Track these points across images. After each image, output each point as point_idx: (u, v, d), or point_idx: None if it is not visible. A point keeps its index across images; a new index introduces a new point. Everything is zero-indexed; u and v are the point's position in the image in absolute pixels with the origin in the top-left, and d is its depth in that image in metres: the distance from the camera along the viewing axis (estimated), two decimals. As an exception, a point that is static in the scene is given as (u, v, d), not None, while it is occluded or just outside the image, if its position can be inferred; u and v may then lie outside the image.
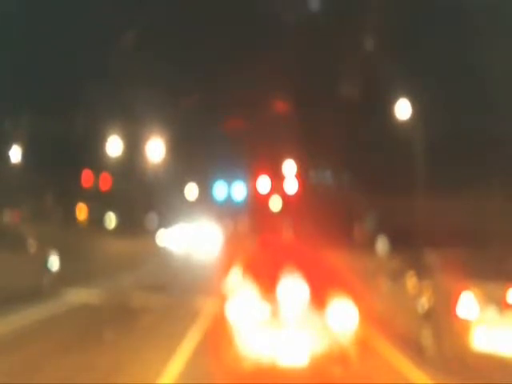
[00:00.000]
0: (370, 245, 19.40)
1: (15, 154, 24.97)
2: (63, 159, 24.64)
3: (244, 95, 23.28)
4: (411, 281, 8.32)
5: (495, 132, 15.87)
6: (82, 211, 29.25)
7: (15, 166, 24.96)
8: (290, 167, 26.80)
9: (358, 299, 6.31)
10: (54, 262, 12.81)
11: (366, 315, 6.83)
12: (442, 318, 7.04)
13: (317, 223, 22.20)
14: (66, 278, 14.17)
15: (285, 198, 28.76)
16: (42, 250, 12.44)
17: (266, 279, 6.52)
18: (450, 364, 6.64)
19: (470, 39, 16.01)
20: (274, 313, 6.18)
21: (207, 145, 28.58)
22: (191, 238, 33.31)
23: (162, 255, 27.33)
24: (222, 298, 6.77)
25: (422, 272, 8.12)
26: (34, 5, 20.68)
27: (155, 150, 24.72)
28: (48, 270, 12.59)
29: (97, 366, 6.71)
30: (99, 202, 29.02)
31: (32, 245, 12.23)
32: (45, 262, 12.45)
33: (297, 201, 27.00)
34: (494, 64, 14.53)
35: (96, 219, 29.96)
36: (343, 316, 6.10)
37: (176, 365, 6.78)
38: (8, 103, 21.69)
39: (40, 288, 11.66)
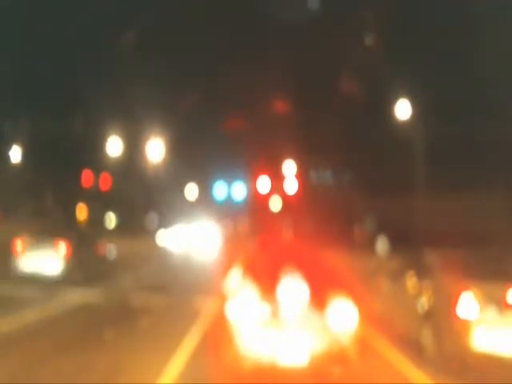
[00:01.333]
0: (369, 245, 19.41)
1: (15, 154, 24.97)
2: (63, 159, 24.66)
3: (244, 95, 23.30)
4: (411, 281, 8.32)
5: (495, 132, 15.88)
6: (82, 211, 29.25)
7: (15, 166, 24.97)
8: (289, 167, 26.79)
9: (357, 299, 6.31)
10: (112, 252, 16.84)
11: (366, 315, 6.83)
12: (441, 318, 7.04)
13: (317, 223, 22.23)
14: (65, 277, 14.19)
15: (285, 198, 28.78)
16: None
17: (266, 279, 6.52)
18: (450, 364, 6.65)
19: (471, 39, 16.02)
20: (274, 313, 6.18)
21: (207, 145, 28.61)
22: (191, 238, 33.30)
23: (161, 255, 27.32)
24: (222, 298, 6.77)
25: (422, 272, 8.12)
26: (34, 5, 20.69)
27: (155, 150, 24.70)
28: (108, 259, 16.43)
29: (97, 366, 6.71)
30: (99, 202, 29.04)
31: (101, 242, 16.39)
32: (105, 251, 16.37)
33: (297, 201, 27.00)
34: (494, 64, 14.54)
35: (96, 219, 29.96)
36: (343, 316, 6.10)
37: (176, 365, 6.78)
38: (8, 103, 21.69)
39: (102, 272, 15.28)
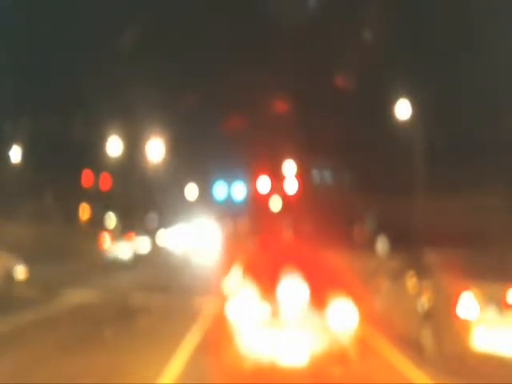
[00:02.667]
0: (369, 245, 19.39)
1: (15, 154, 24.95)
2: (63, 159, 24.62)
3: (244, 95, 23.29)
4: (411, 281, 8.32)
5: (495, 132, 15.87)
6: (84, 211, 29.23)
7: (15, 166, 24.94)
8: (289, 167, 26.78)
9: (357, 299, 6.31)
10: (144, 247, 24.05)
11: (366, 315, 6.83)
12: (441, 317, 7.03)
13: (317, 223, 22.21)
14: (66, 278, 14.21)
15: (285, 198, 28.76)
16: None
17: (266, 279, 6.52)
18: (450, 364, 6.64)
19: (471, 39, 16.02)
20: (274, 313, 6.18)
21: (207, 145, 28.57)
22: (191, 238, 33.33)
23: (161, 255, 27.33)
24: (222, 298, 6.78)
25: (422, 272, 8.12)
26: (35, 5, 20.69)
27: (155, 149, 24.70)
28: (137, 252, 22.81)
29: (97, 365, 6.71)
30: (99, 202, 29.02)
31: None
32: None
33: (297, 201, 26.98)
34: (495, 64, 14.54)
35: (96, 219, 29.94)
36: (343, 316, 6.10)
37: (176, 365, 6.78)
38: (8, 103, 21.67)
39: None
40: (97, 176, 26.70)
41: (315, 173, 29.65)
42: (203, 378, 6.25)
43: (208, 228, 34.85)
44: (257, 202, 29.22)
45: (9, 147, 24.85)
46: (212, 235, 33.96)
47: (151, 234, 31.43)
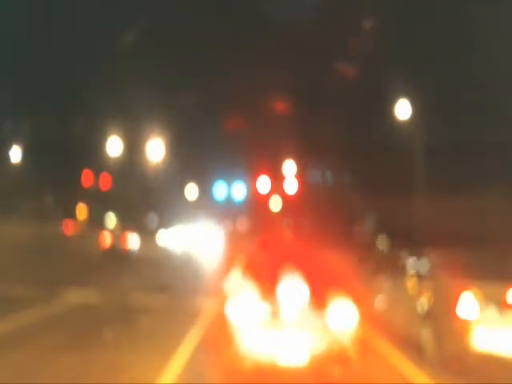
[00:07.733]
0: (369, 245, 19.38)
1: (15, 154, 24.96)
2: (63, 159, 24.63)
3: (244, 95, 23.28)
4: (411, 281, 8.32)
5: (495, 133, 15.87)
6: (81, 211, 29.23)
7: (15, 166, 24.95)
8: (289, 167, 26.77)
9: (357, 299, 6.31)
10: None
11: (366, 315, 6.83)
12: (442, 317, 7.04)
13: (317, 223, 22.21)
14: (66, 278, 14.21)
15: (285, 198, 28.75)
16: None
17: (266, 279, 6.53)
18: (450, 364, 6.64)
19: (471, 40, 16.03)
20: (274, 313, 6.18)
21: (207, 145, 28.57)
22: (191, 238, 33.32)
23: (161, 255, 27.32)
24: (223, 299, 6.78)
25: (422, 272, 8.12)
26: (34, 6, 20.69)
27: (155, 149, 24.69)
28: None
29: (97, 365, 6.71)
30: (99, 202, 29.02)
31: None
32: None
33: (297, 201, 26.98)
34: (495, 64, 14.54)
35: (96, 219, 29.94)
36: (343, 316, 6.10)
37: (176, 365, 6.78)
38: (8, 103, 21.67)
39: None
40: (97, 176, 26.70)
41: (315, 173, 29.64)
42: (203, 377, 6.26)
43: (208, 228, 34.86)
44: (257, 202, 29.22)
45: (9, 147, 24.85)
46: (212, 235, 33.97)
47: (151, 233, 31.48)
